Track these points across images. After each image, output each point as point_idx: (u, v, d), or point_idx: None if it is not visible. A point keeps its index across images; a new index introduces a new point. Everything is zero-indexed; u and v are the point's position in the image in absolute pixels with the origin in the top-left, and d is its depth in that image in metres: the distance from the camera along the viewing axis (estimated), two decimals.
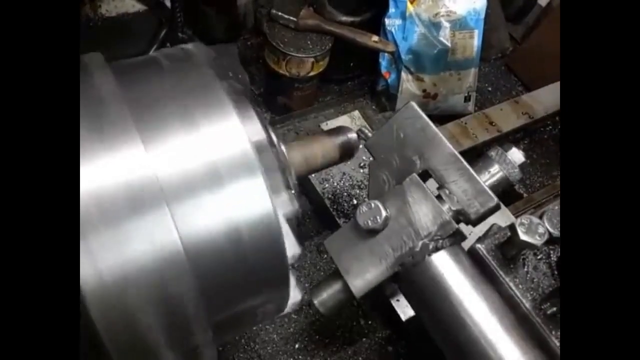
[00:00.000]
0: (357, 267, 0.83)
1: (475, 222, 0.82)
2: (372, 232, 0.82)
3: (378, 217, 0.81)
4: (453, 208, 0.81)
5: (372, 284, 0.82)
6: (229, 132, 0.57)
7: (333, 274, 0.88)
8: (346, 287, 0.85)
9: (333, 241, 0.88)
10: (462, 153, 1.42)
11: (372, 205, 0.82)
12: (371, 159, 0.94)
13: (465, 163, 0.82)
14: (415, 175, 0.84)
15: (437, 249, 0.79)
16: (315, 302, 0.87)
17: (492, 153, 0.86)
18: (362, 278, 0.82)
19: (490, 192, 0.79)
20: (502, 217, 1.11)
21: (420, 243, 0.80)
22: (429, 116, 1.36)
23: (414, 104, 0.90)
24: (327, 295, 0.87)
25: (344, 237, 0.86)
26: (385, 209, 0.82)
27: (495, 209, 0.79)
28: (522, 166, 0.85)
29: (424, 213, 0.81)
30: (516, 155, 0.85)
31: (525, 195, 1.55)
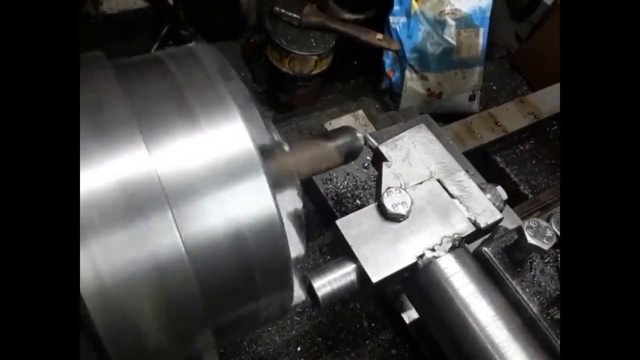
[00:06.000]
0: (375, 252, 0.80)
1: (483, 232, 0.85)
2: (395, 219, 0.82)
3: (407, 203, 0.81)
4: (465, 216, 0.83)
5: (389, 271, 0.79)
6: (232, 133, 0.56)
7: (341, 259, 0.82)
8: (356, 272, 0.80)
9: (347, 222, 0.83)
10: (468, 153, 1.42)
11: (401, 191, 0.82)
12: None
13: (473, 182, 0.90)
14: (434, 178, 0.88)
15: (454, 247, 0.80)
16: (316, 286, 0.79)
17: (483, 186, 0.93)
18: (379, 264, 0.79)
19: (495, 207, 0.86)
20: (508, 219, 1.11)
21: (442, 238, 0.81)
22: (433, 115, 1.37)
23: (425, 126, 0.97)
24: (329, 280, 0.80)
25: (361, 221, 0.83)
26: (411, 199, 0.83)
27: (499, 222, 0.87)
28: (505, 202, 0.94)
29: (445, 212, 0.84)
30: (502, 191, 0.93)
31: (530, 196, 1.54)
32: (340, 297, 0.81)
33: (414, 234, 0.82)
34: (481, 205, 0.87)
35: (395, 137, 0.95)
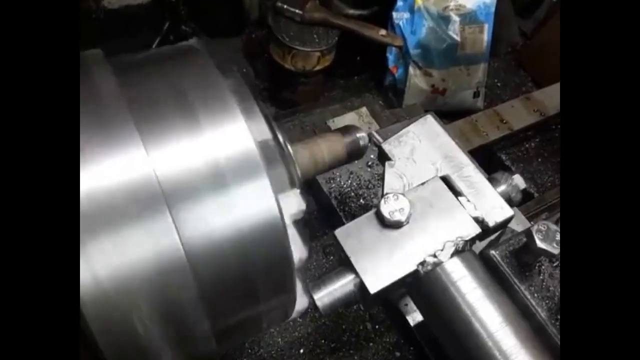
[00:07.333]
0: (374, 262, 0.78)
1: (492, 231, 0.82)
2: (394, 226, 0.79)
3: (405, 210, 0.79)
4: (472, 215, 0.80)
5: (388, 280, 0.77)
6: (233, 132, 0.55)
7: (340, 269, 0.81)
8: (355, 283, 0.79)
9: (345, 232, 0.81)
10: (473, 151, 1.41)
11: (399, 197, 0.80)
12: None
13: (483, 176, 0.86)
14: (437, 177, 0.85)
15: (458, 252, 0.78)
16: (316, 297, 0.79)
17: (499, 176, 0.89)
18: (378, 273, 0.77)
19: (506, 204, 0.82)
20: (514, 219, 1.09)
21: (444, 243, 0.78)
22: (437, 112, 1.34)
23: (432, 118, 0.93)
24: (329, 292, 0.79)
25: (359, 229, 0.81)
26: (410, 204, 0.80)
27: (510, 219, 0.83)
28: (522, 191, 0.90)
29: (449, 213, 0.81)
30: (520, 180, 0.90)
31: (536, 195, 1.52)
32: (342, 306, 0.80)
33: (414, 240, 0.79)
34: (490, 201, 0.83)
35: (400, 133, 0.91)
